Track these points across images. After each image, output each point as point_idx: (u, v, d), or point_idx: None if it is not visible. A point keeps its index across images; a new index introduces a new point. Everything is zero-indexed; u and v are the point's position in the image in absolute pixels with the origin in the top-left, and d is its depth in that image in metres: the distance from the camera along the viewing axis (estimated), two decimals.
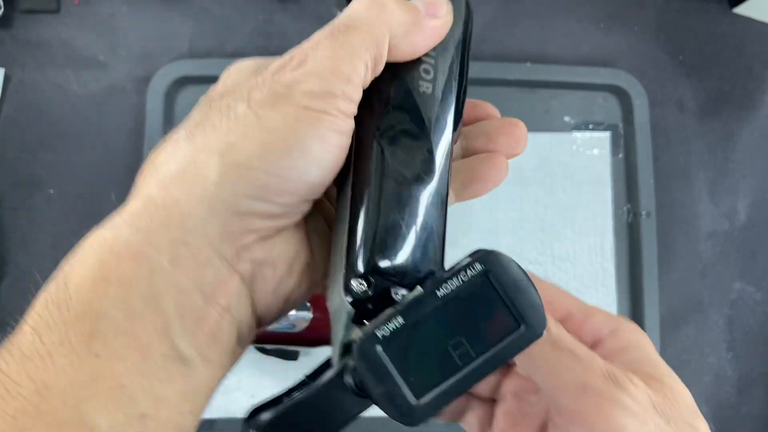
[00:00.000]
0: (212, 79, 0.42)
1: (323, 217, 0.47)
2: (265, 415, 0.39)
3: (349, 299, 0.40)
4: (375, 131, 0.41)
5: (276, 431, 0.39)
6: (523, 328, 0.38)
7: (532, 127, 1.15)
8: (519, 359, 0.40)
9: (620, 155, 1.16)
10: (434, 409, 0.37)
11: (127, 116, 1.07)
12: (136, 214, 0.37)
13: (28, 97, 1.08)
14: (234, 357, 0.40)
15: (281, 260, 0.41)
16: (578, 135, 1.16)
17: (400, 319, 0.38)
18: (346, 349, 0.41)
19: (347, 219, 0.41)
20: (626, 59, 1.17)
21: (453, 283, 0.38)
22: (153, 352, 0.35)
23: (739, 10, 1.15)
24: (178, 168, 0.37)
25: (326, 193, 0.48)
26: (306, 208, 0.41)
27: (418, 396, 0.37)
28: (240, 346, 0.41)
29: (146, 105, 1.06)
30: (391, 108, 0.42)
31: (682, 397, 0.41)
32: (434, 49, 0.42)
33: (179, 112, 1.04)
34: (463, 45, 0.45)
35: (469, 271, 0.39)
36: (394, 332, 0.37)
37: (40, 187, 1.05)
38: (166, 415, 0.35)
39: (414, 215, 0.41)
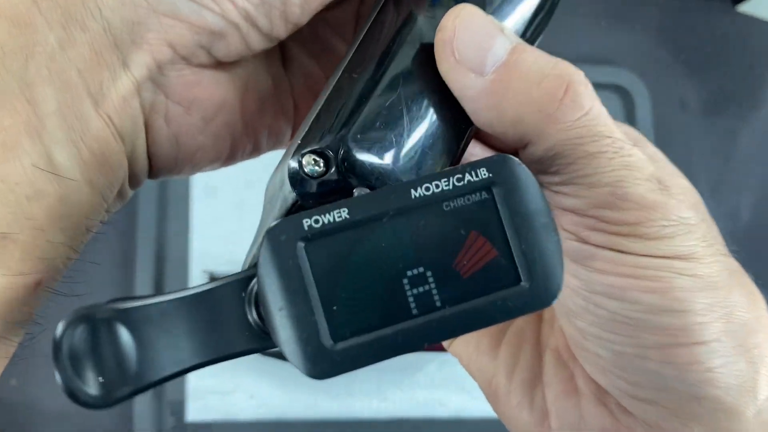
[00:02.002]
0: None
1: (278, 101, 0.36)
2: (123, 304, 0.27)
3: (294, 179, 0.28)
4: None
5: (125, 326, 0.26)
6: (524, 285, 0.25)
7: None
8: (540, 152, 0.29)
9: None
10: (353, 365, 0.24)
11: None
12: None
13: None
14: (122, 199, 0.32)
15: (198, 105, 0.32)
16: None
17: (344, 213, 0.24)
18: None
19: (333, 83, 0.30)
20: (628, 58, 1.09)
21: (439, 186, 0.25)
22: (21, 155, 0.27)
23: (742, 8, 1.09)
24: None
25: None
26: (255, 43, 0.31)
27: (336, 337, 0.24)
28: (131, 186, 0.32)
29: None
30: None
31: (702, 205, 0.33)
32: None
33: None
34: None
35: (467, 176, 0.25)
36: (331, 230, 0.24)
37: None
38: (31, 240, 0.27)
39: (424, 108, 0.29)
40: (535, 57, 0.28)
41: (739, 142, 1.10)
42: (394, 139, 0.28)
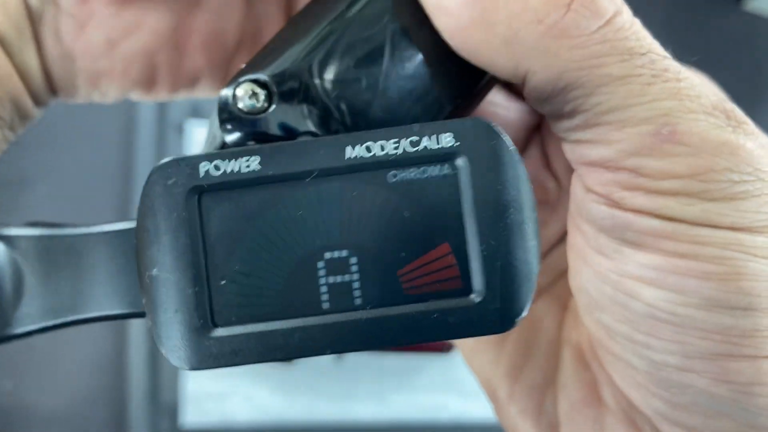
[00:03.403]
0: None
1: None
2: (27, 230, 0.22)
3: (223, 114, 0.21)
4: None
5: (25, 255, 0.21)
6: (473, 300, 0.18)
7: None
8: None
9: None
10: (232, 359, 0.18)
11: (119, 113, 0.95)
12: None
13: None
14: (25, 119, 0.27)
15: (98, 22, 0.26)
16: None
17: (255, 163, 0.18)
18: None
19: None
20: None
21: (384, 148, 0.19)
22: None
23: (748, 6, 1.05)
24: None
25: None
26: None
27: (218, 320, 0.18)
28: (36, 104, 0.27)
29: (138, 102, 0.92)
30: None
31: None
32: None
33: (172, 109, 0.91)
34: None
35: (425, 140, 0.18)
36: (235, 182, 0.19)
37: (30, 186, 0.94)
38: None
39: (415, 43, 0.22)
40: None
41: None
42: (364, 78, 0.21)
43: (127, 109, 0.92)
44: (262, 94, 0.21)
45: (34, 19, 0.25)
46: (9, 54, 0.25)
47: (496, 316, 0.18)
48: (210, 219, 0.18)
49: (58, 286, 0.21)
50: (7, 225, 0.22)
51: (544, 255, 0.29)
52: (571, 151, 0.22)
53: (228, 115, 0.21)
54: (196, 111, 0.86)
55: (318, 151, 0.18)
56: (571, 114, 0.21)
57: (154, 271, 0.18)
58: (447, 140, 0.18)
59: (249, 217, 0.18)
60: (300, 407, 0.93)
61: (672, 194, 0.20)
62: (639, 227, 0.20)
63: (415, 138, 0.18)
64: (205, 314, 0.18)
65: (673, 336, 0.21)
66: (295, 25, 0.23)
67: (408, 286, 0.18)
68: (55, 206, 0.89)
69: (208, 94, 0.29)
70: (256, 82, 0.21)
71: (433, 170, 0.18)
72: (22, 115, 0.27)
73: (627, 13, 0.21)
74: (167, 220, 0.18)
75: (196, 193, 0.18)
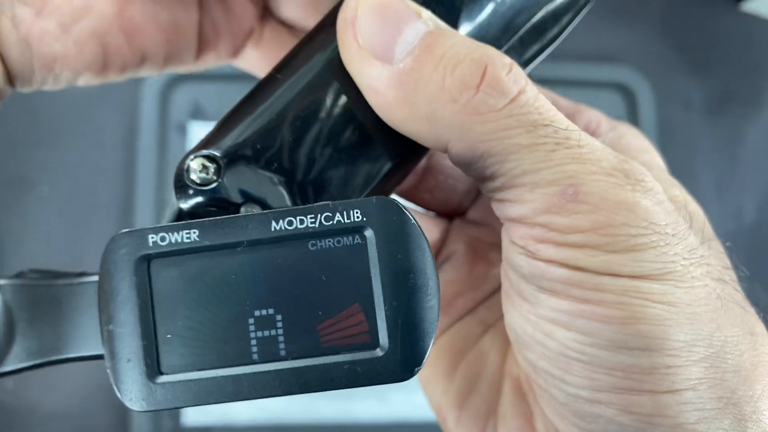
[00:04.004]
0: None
1: None
2: (17, 281, 0.25)
3: (177, 184, 0.25)
4: None
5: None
6: (378, 353, 0.21)
7: None
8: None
9: None
10: (175, 402, 0.21)
11: (121, 114, 0.96)
12: None
13: (20, 93, 0.98)
14: None
15: (51, 8, 0.28)
16: None
17: (194, 235, 0.22)
18: None
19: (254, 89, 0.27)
20: (631, 56, 1.04)
21: (304, 221, 0.22)
22: None
23: (746, 7, 1.03)
24: None
25: None
26: None
27: (165, 369, 0.22)
28: None
29: (141, 103, 0.95)
30: None
31: (699, 216, 0.27)
32: None
33: (174, 110, 0.95)
34: None
35: (338, 216, 0.22)
36: (178, 251, 0.22)
37: (33, 186, 0.95)
38: None
39: (344, 123, 0.25)
40: (453, 42, 0.24)
41: (743, 142, 1.06)
42: (305, 151, 0.25)
43: (129, 109, 0.92)
44: (212, 167, 0.24)
45: None
46: None
47: (397, 367, 0.21)
48: (157, 282, 0.21)
49: (43, 330, 0.24)
50: None
51: (493, 293, 0.31)
52: (497, 209, 0.25)
53: (182, 185, 0.24)
54: (198, 112, 0.88)
55: (248, 224, 0.21)
56: (492, 177, 0.24)
57: (111, 327, 0.21)
58: (356, 215, 0.21)
59: (191, 280, 0.21)
60: (300, 406, 0.92)
61: (578, 247, 0.23)
62: (551, 276, 0.23)
63: (329, 214, 0.21)
64: (153, 363, 0.21)
65: (582, 372, 0.23)
66: (247, 102, 0.26)
67: (325, 339, 0.21)
68: (56, 206, 0.90)
69: (152, 73, 0.32)
70: (207, 157, 0.24)
71: (346, 240, 0.22)
72: None
73: (531, 90, 0.24)
74: (122, 283, 0.21)
75: (146, 260, 0.21)
